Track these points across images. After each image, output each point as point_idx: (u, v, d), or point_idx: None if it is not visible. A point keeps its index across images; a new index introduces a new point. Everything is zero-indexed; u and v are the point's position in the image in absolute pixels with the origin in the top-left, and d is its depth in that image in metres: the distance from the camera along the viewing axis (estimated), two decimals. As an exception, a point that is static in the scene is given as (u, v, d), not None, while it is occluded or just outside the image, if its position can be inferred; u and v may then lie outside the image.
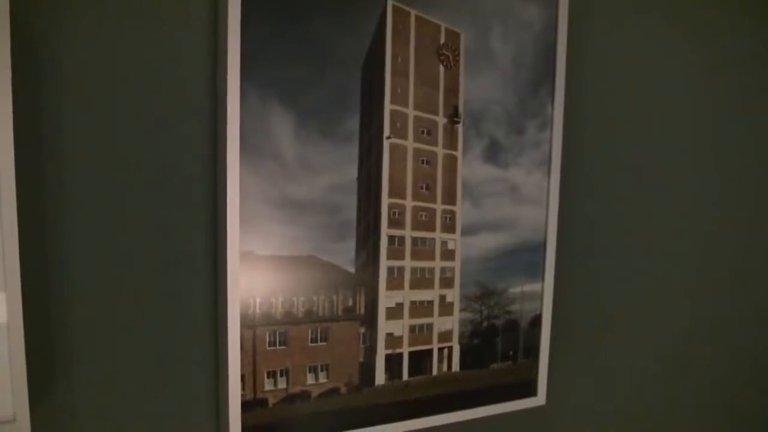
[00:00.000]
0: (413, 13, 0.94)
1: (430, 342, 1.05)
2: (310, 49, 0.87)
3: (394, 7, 0.92)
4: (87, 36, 0.76)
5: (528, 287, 1.11)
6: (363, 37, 0.90)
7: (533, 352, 1.15)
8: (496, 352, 1.11)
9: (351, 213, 0.93)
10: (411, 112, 0.96)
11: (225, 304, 0.86)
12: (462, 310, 1.06)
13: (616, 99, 1.17)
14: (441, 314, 1.05)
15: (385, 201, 0.96)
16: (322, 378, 0.94)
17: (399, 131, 0.95)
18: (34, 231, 0.73)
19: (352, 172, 0.92)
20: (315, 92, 0.88)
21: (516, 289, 1.10)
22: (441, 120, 0.99)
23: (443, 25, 0.97)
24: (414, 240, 1.00)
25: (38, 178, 0.74)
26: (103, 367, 0.82)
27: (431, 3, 0.95)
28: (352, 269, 0.94)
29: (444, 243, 1.03)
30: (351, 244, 0.93)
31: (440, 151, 1.00)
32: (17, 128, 0.69)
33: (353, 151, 0.91)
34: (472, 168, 1.03)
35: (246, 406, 0.89)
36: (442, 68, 0.98)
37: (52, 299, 0.76)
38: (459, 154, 1.02)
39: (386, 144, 0.95)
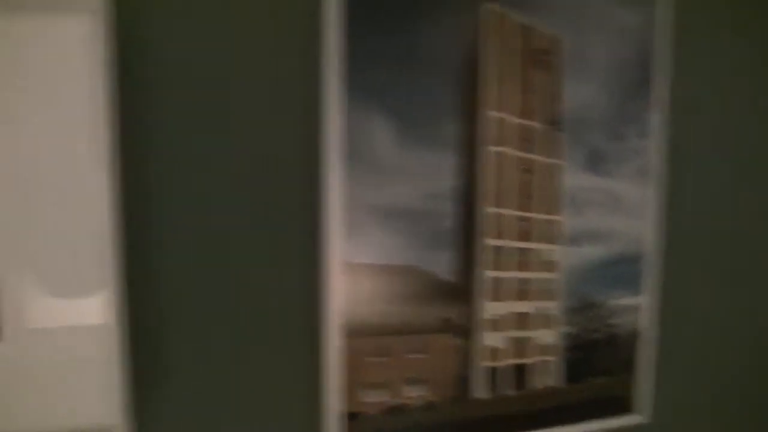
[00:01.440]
0: (512, 17, 0.91)
1: (530, 355, 1.01)
2: (410, 55, 0.86)
3: (493, 12, 0.90)
4: (190, 39, 0.77)
5: (628, 300, 1.06)
6: (461, 43, 0.89)
7: (633, 367, 1.09)
8: (596, 366, 1.06)
9: (450, 221, 0.91)
10: (511, 119, 0.94)
11: (324, 312, 0.85)
12: (563, 323, 1.01)
13: (717, 104, 1.11)
14: (541, 327, 1.01)
15: (486, 210, 0.93)
16: (420, 390, 0.92)
17: (499, 138, 0.93)
18: (132, 233, 0.73)
19: (452, 179, 0.90)
20: (414, 99, 0.88)
21: (616, 302, 1.06)
22: (541, 127, 0.96)
23: (543, 30, 0.94)
24: (515, 250, 0.97)
25: (139, 179, 0.75)
26: (199, 372, 0.82)
27: (530, 8, 0.93)
28: (451, 279, 0.91)
29: (545, 253, 0.99)
30: (450, 254, 0.91)
31: (541, 159, 0.97)
32: (119, 128, 0.70)
33: (452, 158, 0.90)
34: (573, 176, 1.00)
35: (344, 417, 0.88)
36: (541, 74, 0.95)
37: (150, 302, 0.76)
38: (560, 162, 0.98)
39: (486, 151, 0.92)
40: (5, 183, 0.64)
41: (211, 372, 0.82)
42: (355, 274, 0.86)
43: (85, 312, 0.69)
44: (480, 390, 0.97)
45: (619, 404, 1.11)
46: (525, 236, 0.98)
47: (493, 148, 0.94)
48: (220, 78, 0.79)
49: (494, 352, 0.98)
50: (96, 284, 0.67)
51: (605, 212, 1.04)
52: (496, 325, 0.97)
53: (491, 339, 0.97)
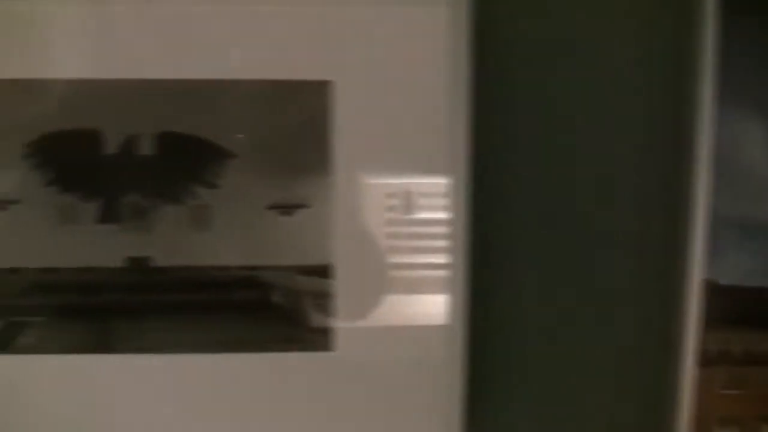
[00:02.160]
0: None
1: None
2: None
3: None
4: (546, 35, 0.74)
5: None
6: None
7: None
8: None
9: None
10: None
11: (679, 337, 0.76)
12: None
13: None
14: None
15: None
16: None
17: None
18: (477, 234, 0.71)
19: None
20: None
21: None
22: None
23: None
24: None
25: (487, 181, 0.72)
26: (537, 382, 0.81)
27: None
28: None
29: None
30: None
31: None
32: (474, 127, 0.68)
33: None
34: None
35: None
36: None
37: (491, 304, 0.75)
38: None
39: None
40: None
41: (547, 383, 0.82)
42: (716, 296, 0.75)
43: (426, 311, 0.70)
44: None
45: None
46: None
47: None
48: (576, 76, 0.75)
49: None
50: (441, 283, 0.69)
51: None
52: None
53: None
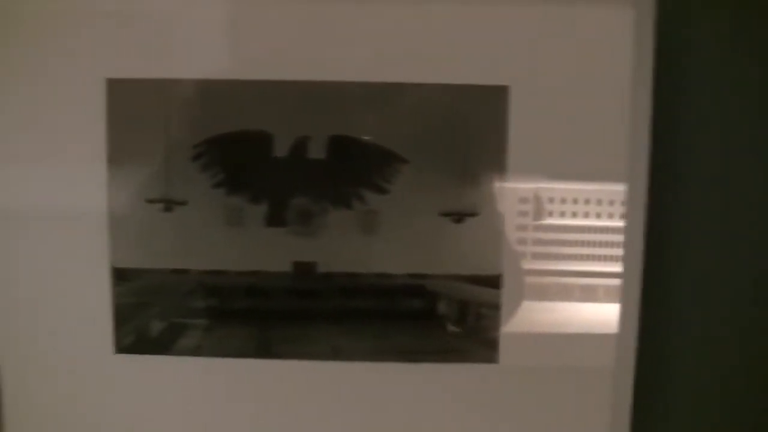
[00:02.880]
0: None
1: None
2: None
3: None
4: (729, 36, 0.71)
5: None
6: None
7: None
8: None
9: None
10: None
11: None
12: None
13: None
14: None
15: None
16: None
17: None
18: (652, 238, 0.68)
19: None
20: None
21: None
22: None
23: None
24: None
25: (668, 184, 0.71)
26: (702, 392, 0.79)
27: None
28: None
29: None
30: None
31: None
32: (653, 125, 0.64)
33: None
34: None
35: None
36: None
37: (661, 313, 0.73)
38: None
39: None
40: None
41: (712, 394, 0.79)
42: None
43: (596, 320, 0.69)
44: None
45: None
46: None
47: None
48: (758, 77, 0.71)
49: None
50: (612, 291, 0.68)
51: None
52: None
53: None
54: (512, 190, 0.65)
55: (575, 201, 0.67)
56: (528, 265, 0.66)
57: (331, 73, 0.63)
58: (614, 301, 0.65)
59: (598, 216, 0.68)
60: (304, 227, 0.67)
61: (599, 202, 0.69)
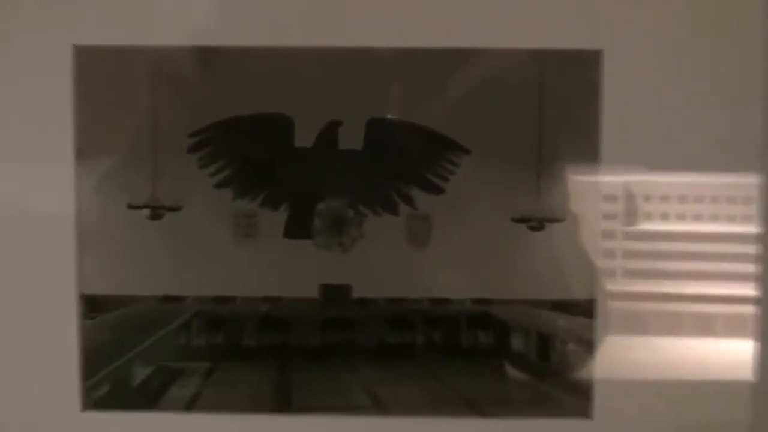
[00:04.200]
0: None
1: None
2: None
3: None
4: None
5: None
6: None
7: None
8: None
9: None
10: None
11: None
12: None
13: None
14: None
15: None
16: None
17: None
18: None
19: None
20: None
21: None
22: None
23: None
24: None
25: None
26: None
27: None
28: None
29: None
30: None
31: None
32: None
33: None
34: None
35: None
36: None
37: None
38: None
39: None
40: None
41: None
42: None
43: (724, 361, 0.53)
44: None
45: None
46: None
47: None
48: None
49: None
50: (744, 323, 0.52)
51: None
52: None
53: None
54: (607, 185, 0.48)
55: (696, 199, 0.50)
56: (630, 285, 0.49)
57: (367, 37, 0.48)
58: (745, 336, 0.46)
59: (716, 219, 0.50)
60: (335, 239, 0.51)
61: (717, 200, 0.54)
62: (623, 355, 0.52)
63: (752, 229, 0.50)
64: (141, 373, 0.52)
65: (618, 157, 0.51)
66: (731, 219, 0.51)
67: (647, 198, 0.53)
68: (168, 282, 0.51)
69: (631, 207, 0.52)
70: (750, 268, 0.50)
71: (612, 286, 0.52)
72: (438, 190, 0.51)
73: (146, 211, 0.51)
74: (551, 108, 0.51)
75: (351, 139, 0.51)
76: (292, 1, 0.50)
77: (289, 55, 0.49)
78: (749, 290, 0.50)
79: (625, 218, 0.52)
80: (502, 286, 0.53)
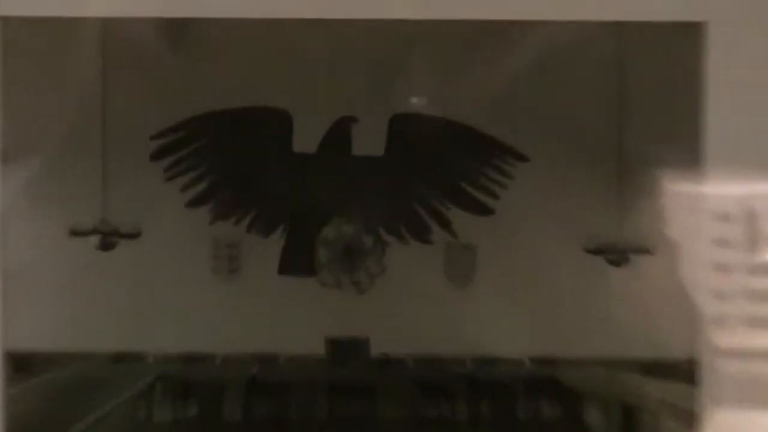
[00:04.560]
0: None
1: None
2: None
3: None
4: None
5: None
6: None
7: None
8: None
9: None
10: None
11: None
12: None
13: None
14: None
15: None
16: None
17: None
18: None
19: None
20: None
21: None
22: None
23: None
24: None
25: None
26: None
27: None
28: None
29: None
30: None
31: None
32: None
33: None
34: None
35: None
36: None
37: None
38: None
39: None
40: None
41: None
42: None
43: None
44: None
45: None
46: None
47: None
48: None
49: None
50: None
51: None
52: None
53: None
54: (717, 200, 0.36)
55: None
56: (751, 338, 0.37)
57: (390, 8, 0.35)
58: None
59: None
60: (348, 275, 0.39)
61: None
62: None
63: None
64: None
65: (729, 160, 0.40)
66: None
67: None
68: (122, 334, 0.40)
69: (753, 229, 0.39)
70: None
71: (724, 339, 0.39)
72: (485, 210, 0.39)
73: (94, 239, 0.39)
74: (635, 96, 0.39)
75: (369, 141, 0.38)
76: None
77: (284, 26, 0.38)
78: None
79: (745, 245, 0.39)
80: (572, 340, 0.41)
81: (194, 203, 0.40)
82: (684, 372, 0.44)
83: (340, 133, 0.41)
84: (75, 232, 0.40)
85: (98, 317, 0.40)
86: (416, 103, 0.41)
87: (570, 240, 0.40)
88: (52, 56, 0.38)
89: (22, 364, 0.38)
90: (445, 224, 0.40)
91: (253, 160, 0.41)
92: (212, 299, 0.40)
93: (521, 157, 0.40)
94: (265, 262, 0.41)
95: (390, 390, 0.40)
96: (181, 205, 0.40)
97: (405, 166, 0.41)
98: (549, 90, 0.40)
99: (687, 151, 0.41)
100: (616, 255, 0.40)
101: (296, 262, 0.41)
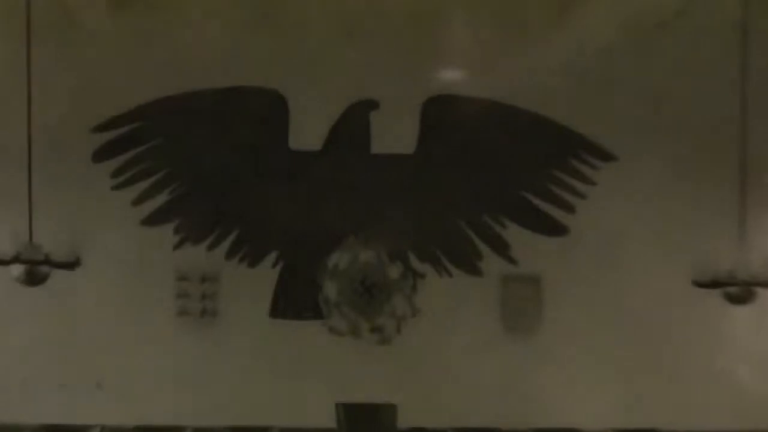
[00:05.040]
0: None
1: None
2: None
3: None
4: None
5: None
6: None
7: None
8: None
9: None
10: None
11: None
12: None
13: None
14: None
15: None
16: None
17: None
18: None
19: None
20: None
21: None
22: None
23: None
24: None
25: None
26: None
27: None
28: None
29: None
30: None
31: None
32: None
33: None
34: None
35: None
36: None
37: None
38: None
39: None
40: None
41: None
42: None
43: None
44: None
45: None
46: None
47: None
48: None
49: None
50: None
51: None
52: None
53: None
54: None
55: None
56: None
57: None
58: None
59: None
60: (366, 318, 0.29)
61: None
62: None
63: None
64: None
65: None
66: None
67: None
68: (58, 405, 0.29)
69: None
70: None
71: None
72: (557, 230, 0.30)
73: (17, 270, 0.32)
74: (763, 81, 0.30)
75: (395, 135, 0.28)
76: None
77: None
78: None
79: None
80: (676, 408, 0.30)
81: (152, 220, 0.30)
82: None
83: (354, 123, 0.31)
84: (-5, 261, 0.30)
85: (24, 384, 0.30)
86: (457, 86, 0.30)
87: (675, 270, 0.30)
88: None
89: None
90: (502, 248, 0.30)
91: (234, 162, 0.30)
92: (178, 355, 0.29)
93: (607, 156, 0.29)
94: (252, 302, 0.30)
95: (425, 480, 0.30)
96: (135, 224, 0.30)
97: (445, 169, 0.30)
98: (649, 69, 0.29)
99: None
100: (739, 289, 0.30)
101: (294, 301, 0.30)
